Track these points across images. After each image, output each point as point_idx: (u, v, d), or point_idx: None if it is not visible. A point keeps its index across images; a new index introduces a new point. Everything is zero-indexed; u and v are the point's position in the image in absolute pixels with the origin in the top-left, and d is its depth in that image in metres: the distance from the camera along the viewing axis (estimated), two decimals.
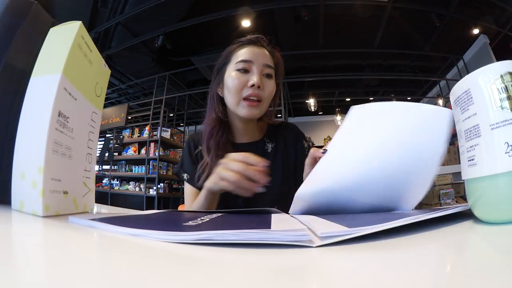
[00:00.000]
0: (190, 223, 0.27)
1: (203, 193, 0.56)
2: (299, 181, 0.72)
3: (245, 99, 0.63)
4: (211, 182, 0.52)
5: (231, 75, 0.65)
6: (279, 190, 0.67)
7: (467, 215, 0.30)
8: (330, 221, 0.27)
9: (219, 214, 0.37)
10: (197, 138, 0.74)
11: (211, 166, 0.67)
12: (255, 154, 0.71)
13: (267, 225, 0.25)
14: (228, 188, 0.48)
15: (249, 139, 0.73)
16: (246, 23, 3.72)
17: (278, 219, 0.31)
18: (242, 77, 0.64)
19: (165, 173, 4.35)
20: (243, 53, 0.66)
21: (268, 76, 0.66)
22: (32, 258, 0.15)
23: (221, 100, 0.70)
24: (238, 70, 0.64)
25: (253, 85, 0.62)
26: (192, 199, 0.71)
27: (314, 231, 0.22)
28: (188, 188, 0.72)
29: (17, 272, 0.13)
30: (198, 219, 0.30)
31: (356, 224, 0.22)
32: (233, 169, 0.47)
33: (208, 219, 0.30)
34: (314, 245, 0.19)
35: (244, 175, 0.47)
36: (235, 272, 0.15)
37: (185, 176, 0.72)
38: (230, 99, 0.65)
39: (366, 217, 0.30)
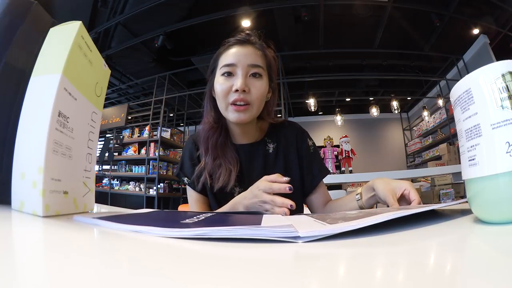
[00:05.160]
0: (188, 220, 0.28)
1: (231, 206, 0.56)
2: (304, 179, 0.73)
3: (232, 104, 0.61)
4: (250, 202, 0.51)
5: (218, 81, 0.63)
6: None
7: (466, 215, 0.30)
8: (317, 220, 0.28)
9: (214, 213, 0.39)
10: (198, 139, 0.72)
11: (208, 168, 0.66)
12: (256, 155, 0.71)
13: (258, 223, 0.28)
14: (265, 208, 0.49)
15: (250, 140, 0.71)
16: (246, 23, 3.72)
17: (268, 219, 0.33)
18: (227, 82, 0.62)
19: (165, 173, 4.35)
20: (227, 56, 0.63)
21: (256, 75, 0.63)
22: (33, 258, 0.15)
23: (215, 104, 0.68)
24: (223, 75, 0.63)
25: (236, 90, 0.60)
26: (197, 204, 0.70)
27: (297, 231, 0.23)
28: (191, 193, 0.71)
29: (17, 273, 0.13)
30: (195, 217, 0.31)
31: (335, 222, 0.24)
32: (272, 188, 0.49)
33: (203, 218, 0.31)
34: (300, 241, 0.21)
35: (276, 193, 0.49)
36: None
37: (185, 180, 0.71)
38: (219, 104, 0.64)
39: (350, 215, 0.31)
